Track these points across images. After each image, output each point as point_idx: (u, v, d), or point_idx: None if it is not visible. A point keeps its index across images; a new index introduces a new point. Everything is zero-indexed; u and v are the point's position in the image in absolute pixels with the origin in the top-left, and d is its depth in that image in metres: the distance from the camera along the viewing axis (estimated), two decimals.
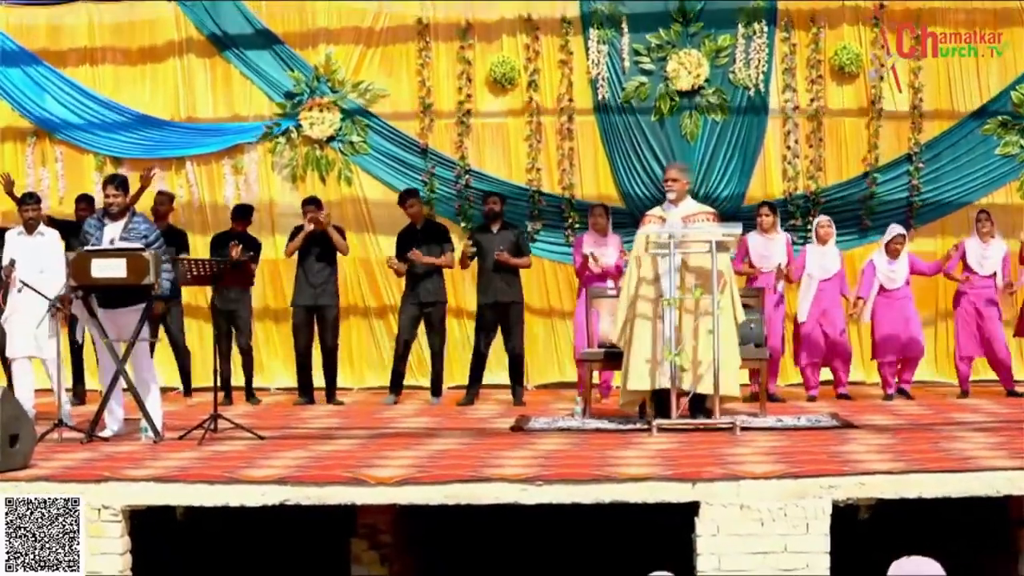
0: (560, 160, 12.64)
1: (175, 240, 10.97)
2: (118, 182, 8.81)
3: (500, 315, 11.03)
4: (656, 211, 9.44)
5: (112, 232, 8.63)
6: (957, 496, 7.01)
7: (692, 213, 9.26)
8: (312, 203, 11.21)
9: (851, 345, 11.40)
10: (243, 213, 11.49)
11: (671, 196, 9.28)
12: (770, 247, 11.17)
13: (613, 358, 9.57)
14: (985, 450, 7.81)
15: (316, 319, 11.13)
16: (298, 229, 11.20)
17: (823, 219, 11.43)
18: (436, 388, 11.26)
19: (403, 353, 11.28)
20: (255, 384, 11.62)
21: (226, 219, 12.06)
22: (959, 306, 11.34)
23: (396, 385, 11.31)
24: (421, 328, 11.29)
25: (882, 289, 11.13)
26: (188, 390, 11.46)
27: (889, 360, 11.25)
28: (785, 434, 8.85)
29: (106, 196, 8.71)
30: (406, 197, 11.32)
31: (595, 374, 10.34)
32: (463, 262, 11.22)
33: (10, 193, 10.77)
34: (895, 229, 11.29)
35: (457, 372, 12.49)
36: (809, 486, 6.86)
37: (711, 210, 9.66)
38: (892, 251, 11.12)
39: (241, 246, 10.78)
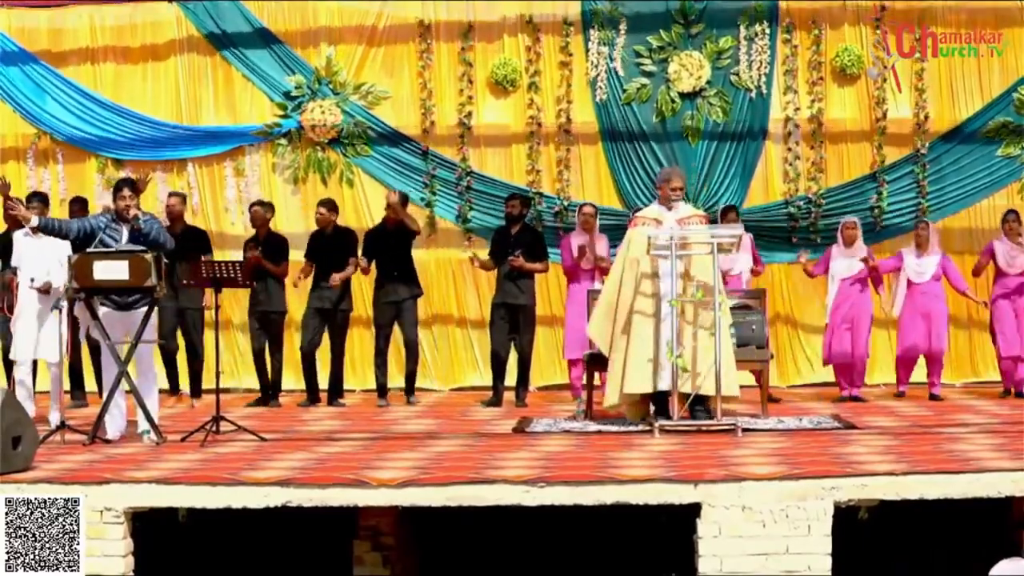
0: (560, 162, 12.65)
1: (197, 240, 10.94)
2: (132, 184, 8.89)
3: (510, 316, 11.04)
4: (651, 212, 9.40)
5: (125, 235, 8.68)
6: (959, 497, 7.01)
7: (687, 216, 9.26)
8: (325, 205, 11.26)
9: (869, 350, 11.34)
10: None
11: (676, 205, 9.25)
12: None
13: (600, 359, 9.58)
14: (987, 451, 7.81)
15: (325, 321, 11.14)
16: (315, 235, 11.23)
17: (849, 220, 11.35)
18: (410, 388, 11.28)
19: (384, 353, 11.27)
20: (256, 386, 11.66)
21: (228, 220, 12.11)
22: (997, 308, 11.27)
23: (384, 387, 11.30)
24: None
25: (909, 283, 11.12)
26: (197, 392, 11.42)
27: (906, 357, 11.24)
28: (787, 435, 8.86)
29: (120, 199, 8.71)
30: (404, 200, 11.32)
31: (596, 376, 10.33)
32: (484, 266, 11.22)
33: (7, 196, 10.77)
34: (921, 220, 11.47)
35: (458, 373, 12.51)
36: (811, 487, 6.87)
37: (703, 213, 9.74)
38: (919, 243, 11.15)
39: (259, 250, 10.93)
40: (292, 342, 11.78)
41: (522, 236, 11.13)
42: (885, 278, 11.46)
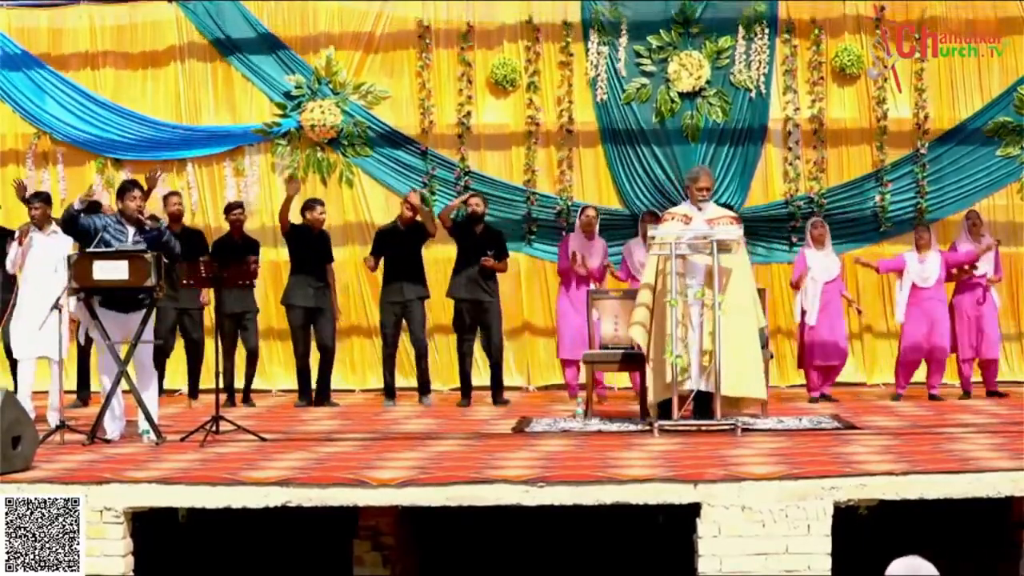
0: (560, 162, 12.65)
1: (194, 241, 10.90)
2: (139, 185, 8.89)
3: (478, 313, 11.02)
4: (681, 209, 9.38)
5: (131, 236, 8.67)
6: (958, 497, 7.01)
7: (716, 217, 9.21)
8: (318, 203, 11.29)
9: (848, 347, 11.39)
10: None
11: (703, 206, 9.20)
12: None
13: (631, 359, 9.57)
14: (986, 451, 7.82)
15: (313, 321, 11.14)
16: (302, 232, 11.21)
17: (816, 220, 11.46)
18: (424, 388, 11.25)
19: (392, 354, 11.27)
20: (257, 386, 11.66)
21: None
22: (959, 308, 11.33)
23: (392, 387, 11.29)
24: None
25: (913, 287, 11.13)
26: (194, 392, 11.40)
27: (908, 360, 11.23)
28: (786, 435, 8.86)
29: (131, 199, 8.69)
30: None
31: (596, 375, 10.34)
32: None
33: (24, 199, 10.77)
34: (918, 224, 11.60)
35: (457, 372, 12.48)
36: (810, 487, 6.87)
37: (733, 214, 9.65)
38: (920, 246, 11.18)
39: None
40: (287, 345, 11.80)
41: (488, 235, 11.11)
42: (877, 283, 11.45)
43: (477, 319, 11.04)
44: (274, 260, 12.27)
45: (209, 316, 11.03)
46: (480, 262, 10.88)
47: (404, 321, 11.11)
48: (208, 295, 10.90)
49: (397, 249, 11.06)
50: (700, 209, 9.21)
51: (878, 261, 11.53)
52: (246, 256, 10.70)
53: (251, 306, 11.29)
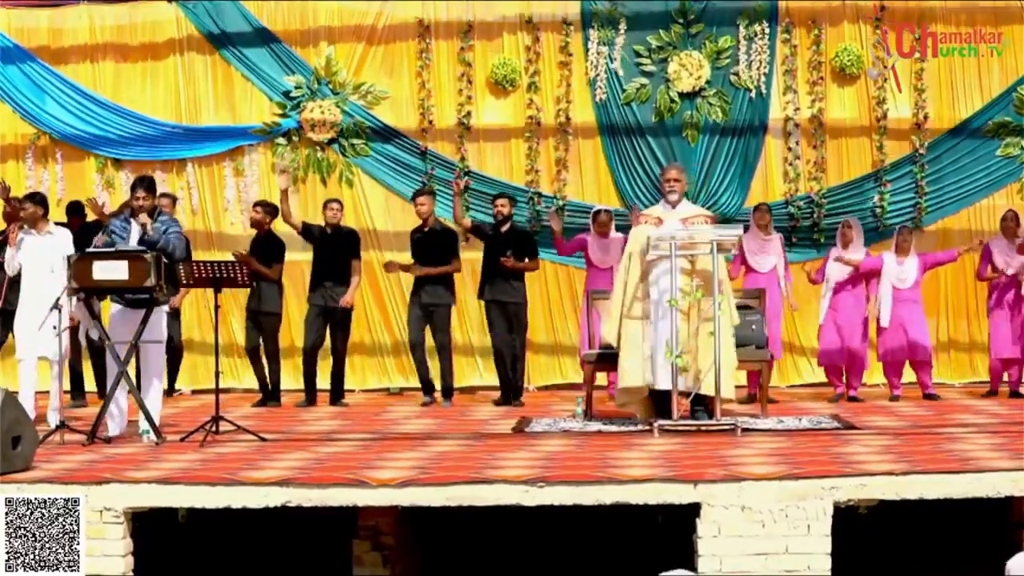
0: (559, 162, 12.65)
1: None
2: (147, 184, 8.88)
3: (502, 315, 11.01)
4: (654, 211, 9.39)
5: (135, 235, 8.68)
6: (958, 497, 7.02)
7: (691, 215, 9.23)
8: (331, 202, 11.27)
9: (867, 351, 11.34)
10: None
11: (672, 197, 9.23)
12: (765, 247, 11.16)
13: (608, 359, 9.56)
14: (986, 451, 7.82)
15: (328, 320, 11.13)
16: (319, 230, 11.19)
17: (845, 220, 11.38)
18: (447, 390, 11.22)
19: (419, 355, 11.25)
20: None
21: (227, 220, 12.09)
22: (996, 306, 11.29)
23: (428, 385, 11.25)
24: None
25: (893, 289, 11.10)
26: (171, 390, 11.36)
27: (893, 361, 11.22)
28: (786, 435, 8.86)
29: (134, 198, 8.72)
30: (416, 195, 11.30)
31: (600, 375, 10.32)
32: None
33: (6, 199, 10.76)
34: (901, 227, 11.50)
35: (457, 373, 12.49)
36: (810, 487, 6.87)
37: (708, 212, 9.68)
38: (900, 249, 11.14)
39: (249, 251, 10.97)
40: (292, 343, 11.78)
41: (514, 235, 11.11)
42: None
43: (500, 320, 11.02)
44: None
45: (208, 317, 11.01)
46: (500, 262, 10.89)
47: (428, 325, 11.09)
48: (179, 299, 10.89)
49: (426, 253, 11.05)
50: (674, 207, 9.20)
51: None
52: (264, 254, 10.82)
53: (272, 307, 11.13)
